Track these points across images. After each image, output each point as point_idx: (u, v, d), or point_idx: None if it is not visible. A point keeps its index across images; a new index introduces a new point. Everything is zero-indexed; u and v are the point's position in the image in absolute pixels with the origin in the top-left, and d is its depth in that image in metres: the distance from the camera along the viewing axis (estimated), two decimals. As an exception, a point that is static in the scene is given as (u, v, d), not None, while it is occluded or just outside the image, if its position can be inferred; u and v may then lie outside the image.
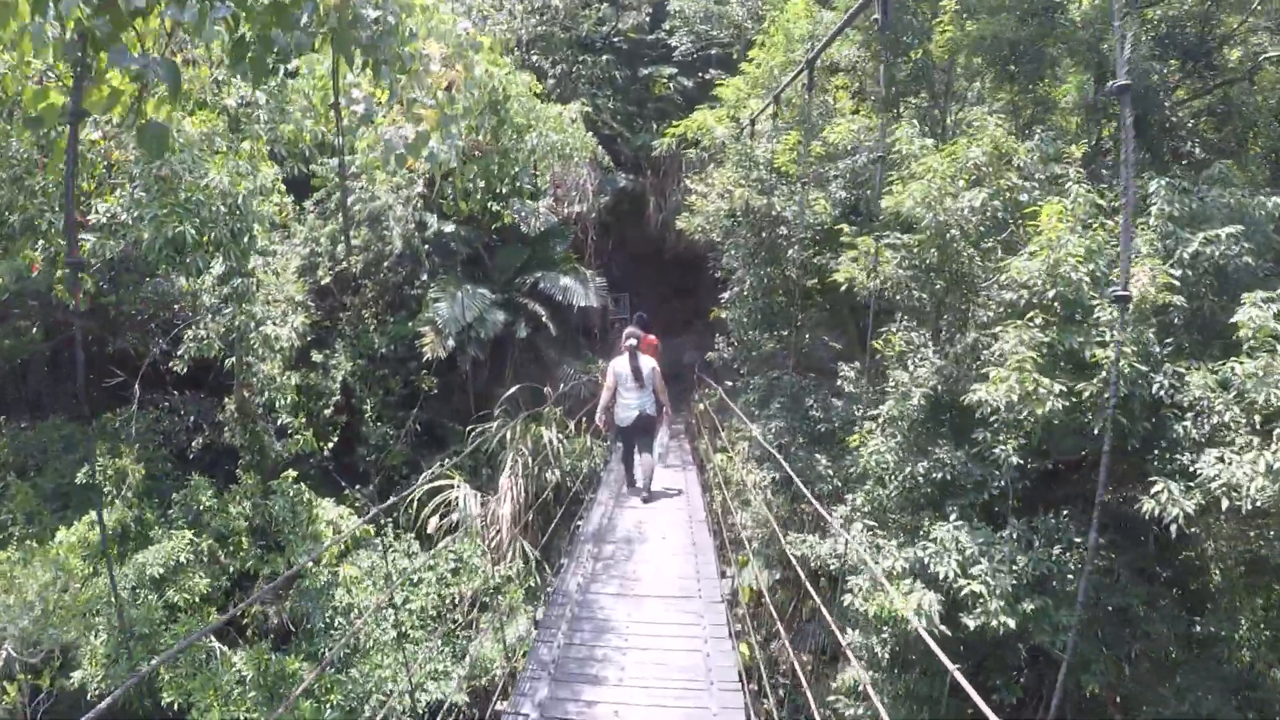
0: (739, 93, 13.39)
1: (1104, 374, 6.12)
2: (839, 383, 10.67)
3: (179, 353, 12.53)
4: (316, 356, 15.83)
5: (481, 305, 15.34)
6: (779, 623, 8.30)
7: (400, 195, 15.98)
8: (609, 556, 9.71)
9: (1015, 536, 6.96)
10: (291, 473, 13.26)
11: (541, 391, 15.45)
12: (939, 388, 7.65)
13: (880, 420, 8.06)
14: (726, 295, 12.15)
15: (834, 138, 10.57)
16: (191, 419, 15.72)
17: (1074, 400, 6.37)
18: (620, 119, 20.44)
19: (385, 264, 15.82)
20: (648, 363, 11.98)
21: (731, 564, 11.12)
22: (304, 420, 12.94)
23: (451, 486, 13.73)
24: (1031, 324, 6.59)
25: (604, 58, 20.27)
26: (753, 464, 11.23)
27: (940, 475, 7.30)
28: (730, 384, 15.15)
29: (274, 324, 12.26)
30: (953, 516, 7.07)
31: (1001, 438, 6.75)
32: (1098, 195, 7.12)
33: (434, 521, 13.20)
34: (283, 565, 12.43)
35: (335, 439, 15.54)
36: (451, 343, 14.97)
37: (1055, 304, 6.76)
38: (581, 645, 7.66)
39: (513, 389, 14.76)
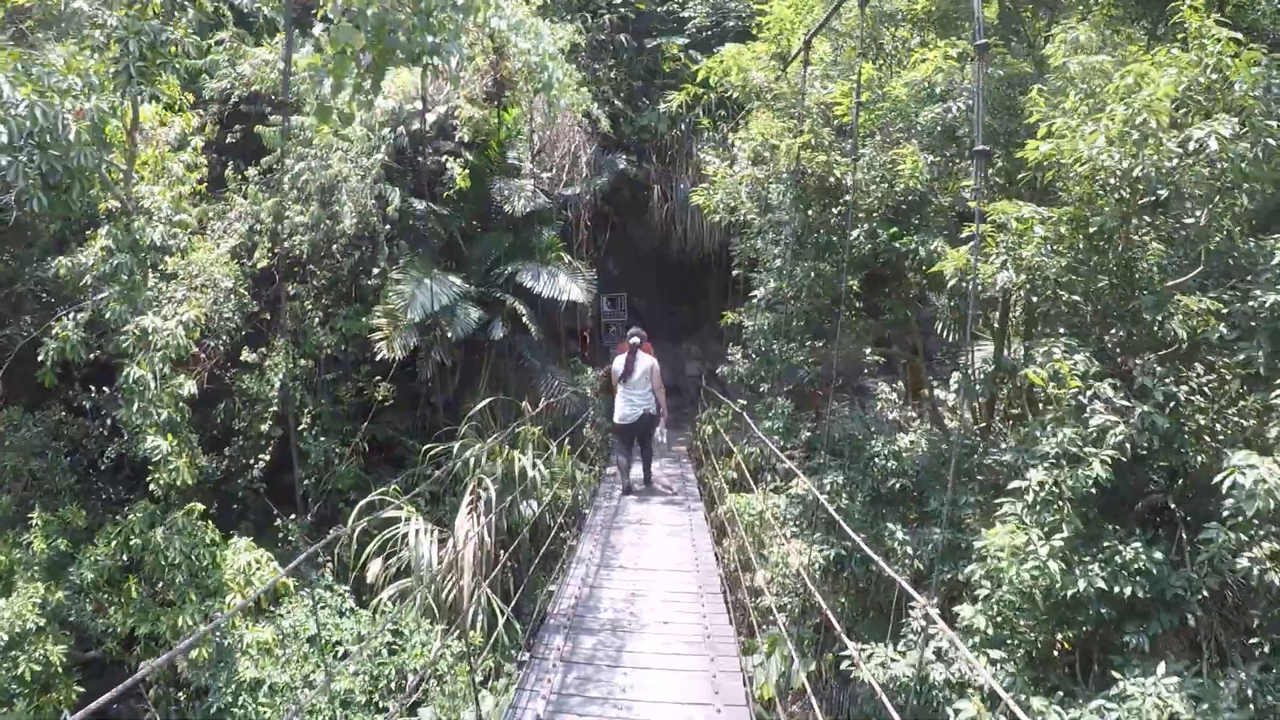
0: (782, 23, 10.22)
1: None
2: (877, 406, 8.10)
3: (39, 355, 9.72)
4: (249, 356, 12.97)
5: (452, 296, 12.53)
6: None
7: (359, 166, 13.13)
8: (587, 658, 6.79)
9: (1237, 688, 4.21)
10: (197, 506, 10.42)
11: (521, 405, 12.60)
12: (1133, 448, 4.84)
13: (1031, 498, 5.21)
14: (758, 294, 9.29)
15: (920, 72, 7.62)
16: (110, 422, 12.96)
17: None
18: (624, 95, 17.64)
19: (335, 246, 12.93)
20: (645, 361, 11.74)
21: (755, 636, 8.33)
22: (181, 442, 9.97)
23: (401, 520, 10.95)
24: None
25: (606, 17, 17.42)
26: (790, 527, 8.35)
27: (1124, 588, 4.49)
28: (741, 402, 12.38)
29: (157, 316, 9.40)
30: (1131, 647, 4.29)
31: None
32: None
33: (376, 567, 10.38)
34: (185, 620, 9.67)
35: (267, 456, 12.71)
36: (413, 341, 12.14)
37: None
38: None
39: (484, 402, 11.90)
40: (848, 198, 7.59)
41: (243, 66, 14.66)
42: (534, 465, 11.48)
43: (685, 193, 17.47)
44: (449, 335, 12.55)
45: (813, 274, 8.23)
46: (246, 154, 14.42)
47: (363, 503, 11.11)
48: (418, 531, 10.81)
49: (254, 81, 14.60)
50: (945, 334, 12.96)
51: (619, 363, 11.75)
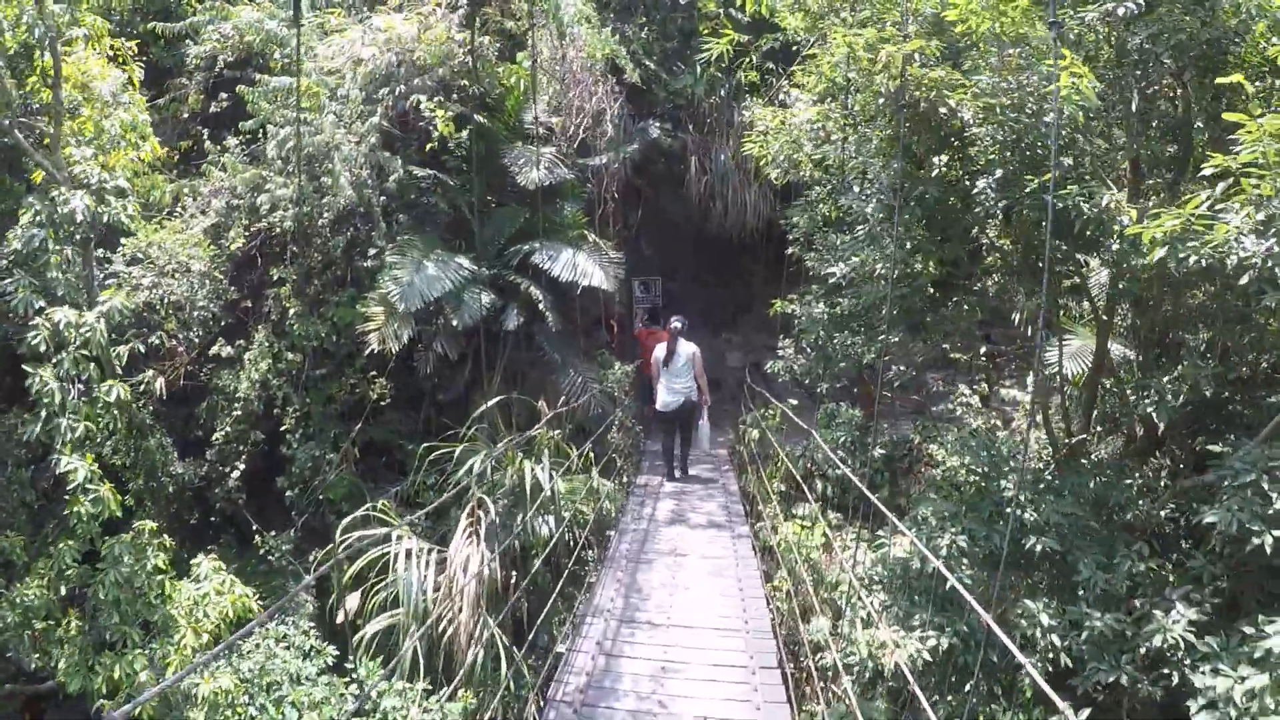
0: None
1: None
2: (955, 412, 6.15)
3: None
4: (222, 349, 11.32)
5: (457, 279, 10.78)
6: None
7: (352, 131, 11.39)
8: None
9: None
10: (148, 525, 8.75)
11: (536, 405, 10.83)
12: None
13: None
14: (837, 271, 7.28)
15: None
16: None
17: None
18: (656, 58, 15.69)
19: (322, 222, 11.19)
20: (687, 348, 11.49)
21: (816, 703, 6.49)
22: (133, 457, 8.28)
23: (394, 540, 9.26)
24: None
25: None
26: (878, 593, 6.38)
27: None
28: (792, 402, 10.53)
29: (74, 308, 7.73)
30: None
31: None
32: None
33: (353, 601, 8.66)
34: (121, 670, 8.06)
35: (242, 464, 11.08)
36: (407, 333, 10.41)
37: None
38: None
39: (490, 401, 10.13)
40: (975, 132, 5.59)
41: (227, 27, 13.00)
42: (550, 477, 9.67)
43: (726, 164, 15.60)
44: (454, 324, 10.75)
45: (914, 242, 6.23)
46: (234, 125, 12.80)
47: (347, 520, 9.38)
48: (410, 553, 9.09)
49: (241, 42, 12.95)
50: (1024, 325, 10.97)
51: (660, 349, 11.49)
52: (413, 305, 10.26)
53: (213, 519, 11.89)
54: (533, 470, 9.62)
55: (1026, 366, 11.18)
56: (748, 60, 14.46)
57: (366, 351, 10.71)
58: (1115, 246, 4.76)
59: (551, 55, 13.02)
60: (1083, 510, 5.13)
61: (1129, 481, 5.60)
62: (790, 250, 10.64)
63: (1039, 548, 4.88)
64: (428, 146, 11.96)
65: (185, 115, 14.22)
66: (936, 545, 5.00)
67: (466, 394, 12.30)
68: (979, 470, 6.00)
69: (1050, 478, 5.83)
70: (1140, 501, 5.44)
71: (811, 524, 8.03)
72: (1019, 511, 5.12)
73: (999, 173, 5.57)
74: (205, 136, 12.63)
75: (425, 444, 11.38)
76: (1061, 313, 8.68)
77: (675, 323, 11.63)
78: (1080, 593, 4.83)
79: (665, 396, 11.40)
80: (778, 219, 15.56)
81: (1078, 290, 7.37)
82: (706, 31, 15.75)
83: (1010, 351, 11.72)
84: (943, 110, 5.62)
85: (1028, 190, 5.26)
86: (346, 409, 11.83)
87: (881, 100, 6.32)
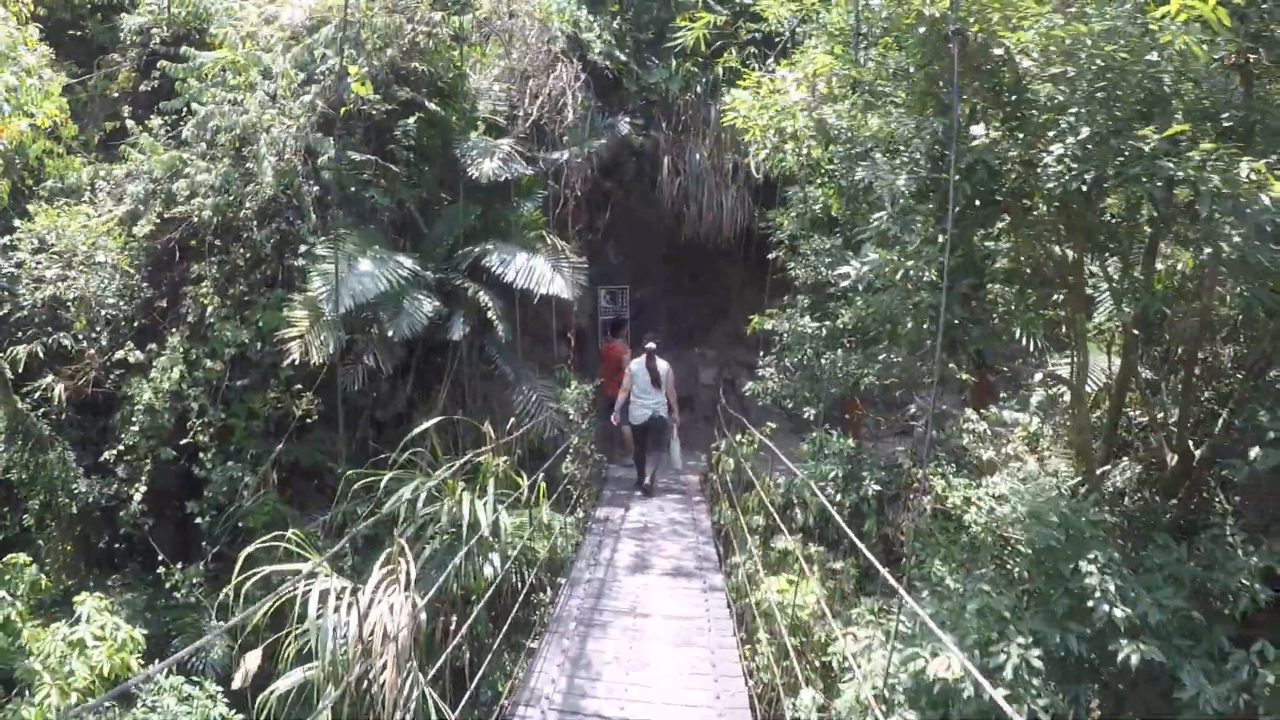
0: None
1: None
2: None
3: None
4: (129, 354, 10.06)
5: (396, 280, 9.55)
6: None
7: (285, 112, 10.16)
8: None
9: None
10: (19, 558, 7.47)
11: (482, 428, 9.62)
12: None
13: None
14: (850, 272, 5.91)
15: None
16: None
17: None
18: (629, 50, 14.55)
19: (244, 213, 9.96)
20: (663, 366, 11.92)
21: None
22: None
23: (313, 578, 8.00)
24: None
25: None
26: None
27: None
28: (771, 426, 9.39)
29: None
30: None
31: None
32: None
33: (252, 660, 7.38)
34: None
35: (144, 485, 9.83)
36: (333, 343, 9.14)
37: None
38: None
39: (426, 424, 8.89)
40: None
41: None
42: (495, 510, 8.46)
43: (701, 165, 14.46)
44: (388, 332, 9.50)
45: (944, 234, 5.02)
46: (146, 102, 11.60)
47: (246, 551, 8.10)
48: (329, 595, 7.87)
49: (174, 15, 11.71)
50: (1025, 338, 9.88)
51: (638, 367, 11.78)
52: (341, 307, 9.01)
53: (118, 545, 10.63)
54: (472, 504, 8.41)
55: (1023, 385, 10.14)
56: (727, 53, 13.38)
57: (287, 361, 9.43)
58: (1236, 237, 3.60)
59: (504, 25, 11.78)
60: (1185, 599, 3.93)
61: (1239, 558, 4.27)
62: (774, 255, 9.50)
63: (1134, 658, 3.64)
64: (377, 134, 10.81)
65: (115, 94, 12.92)
66: (995, 662, 3.76)
67: (409, 412, 11.06)
68: (1053, 540, 4.60)
69: (1128, 550, 4.56)
70: (1253, 583, 4.18)
71: (797, 580, 6.80)
72: (1107, 607, 3.86)
73: (1084, 132, 4.32)
74: (126, 116, 11.32)
75: (350, 469, 10.19)
76: (1063, 327, 7.66)
77: (650, 344, 11.94)
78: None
79: (639, 410, 11.75)
80: (756, 225, 14.45)
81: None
82: (684, 20, 14.70)
83: (1013, 369, 10.59)
84: (996, 52, 4.45)
85: (1130, 155, 4.01)
86: (272, 426, 10.57)
87: (918, 34, 5.03)
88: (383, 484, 8.43)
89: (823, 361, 7.50)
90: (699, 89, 14.87)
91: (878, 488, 7.32)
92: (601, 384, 13.81)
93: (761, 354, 10.18)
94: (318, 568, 8.14)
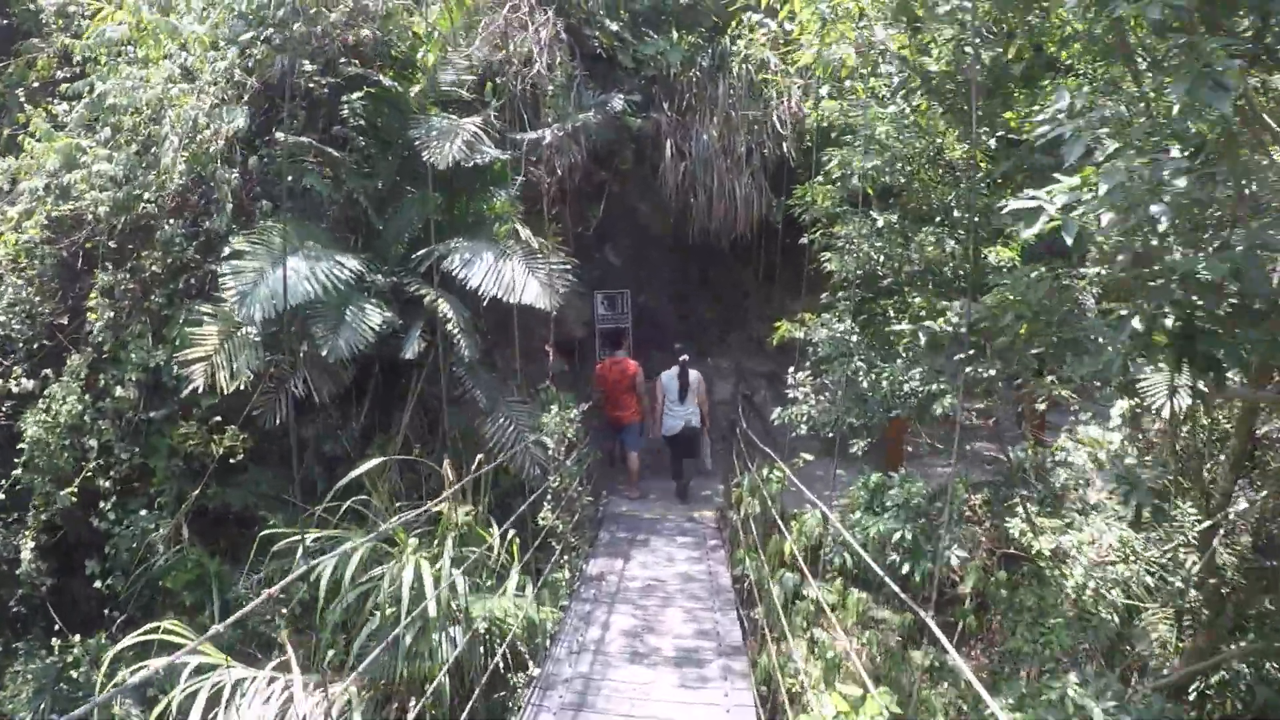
0: None
1: None
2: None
3: None
4: (12, 383, 8.34)
5: (334, 284, 7.73)
6: None
7: (196, 85, 8.41)
8: None
9: None
10: None
11: (442, 469, 7.84)
12: None
13: None
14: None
15: None
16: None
17: None
18: (622, 20, 12.74)
19: (150, 208, 8.21)
20: (695, 376, 11.93)
21: None
22: None
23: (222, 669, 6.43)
24: None
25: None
26: None
27: None
28: (805, 458, 7.62)
29: None
30: None
31: None
32: None
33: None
34: None
35: (32, 540, 8.17)
36: (253, 364, 7.38)
37: None
38: None
39: (367, 465, 7.13)
40: None
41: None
42: (449, 576, 6.67)
43: (709, 147, 12.61)
44: (321, 352, 7.67)
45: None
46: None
47: (124, 642, 6.32)
48: (234, 690, 6.20)
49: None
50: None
51: (669, 379, 11.82)
52: (255, 315, 7.21)
53: (14, 608, 8.91)
54: (417, 569, 6.61)
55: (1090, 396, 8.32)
56: (737, 20, 11.57)
57: (190, 388, 7.66)
58: None
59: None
60: None
61: None
62: (809, 239, 7.63)
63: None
64: (328, 115, 9.09)
65: (35, 84, 11.21)
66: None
67: (362, 444, 9.24)
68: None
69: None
70: None
71: (861, 701, 4.91)
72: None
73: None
74: (23, 102, 9.60)
75: (288, 516, 8.41)
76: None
77: (683, 355, 11.94)
78: None
79: (670, 421, 11.83)
80: (774, 215, 12.61)
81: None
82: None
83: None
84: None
85: None
86: (197, 466, 8.81)
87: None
88: (300, 548, 6.62)
89: (880, 376, 5.69)
90: (704, 63, 13.03)
91: (962, 554, 5.51)
92: (600, 405, 12.02)
93: (791, 369, 8.27)
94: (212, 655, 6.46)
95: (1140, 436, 8.24)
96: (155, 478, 8.85)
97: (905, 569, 6.04)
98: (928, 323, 4.95)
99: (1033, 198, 3.27)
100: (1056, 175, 3.31)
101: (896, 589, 4.42)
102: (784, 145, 12.80)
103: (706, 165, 12.58)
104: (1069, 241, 3.06)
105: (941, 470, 10.73)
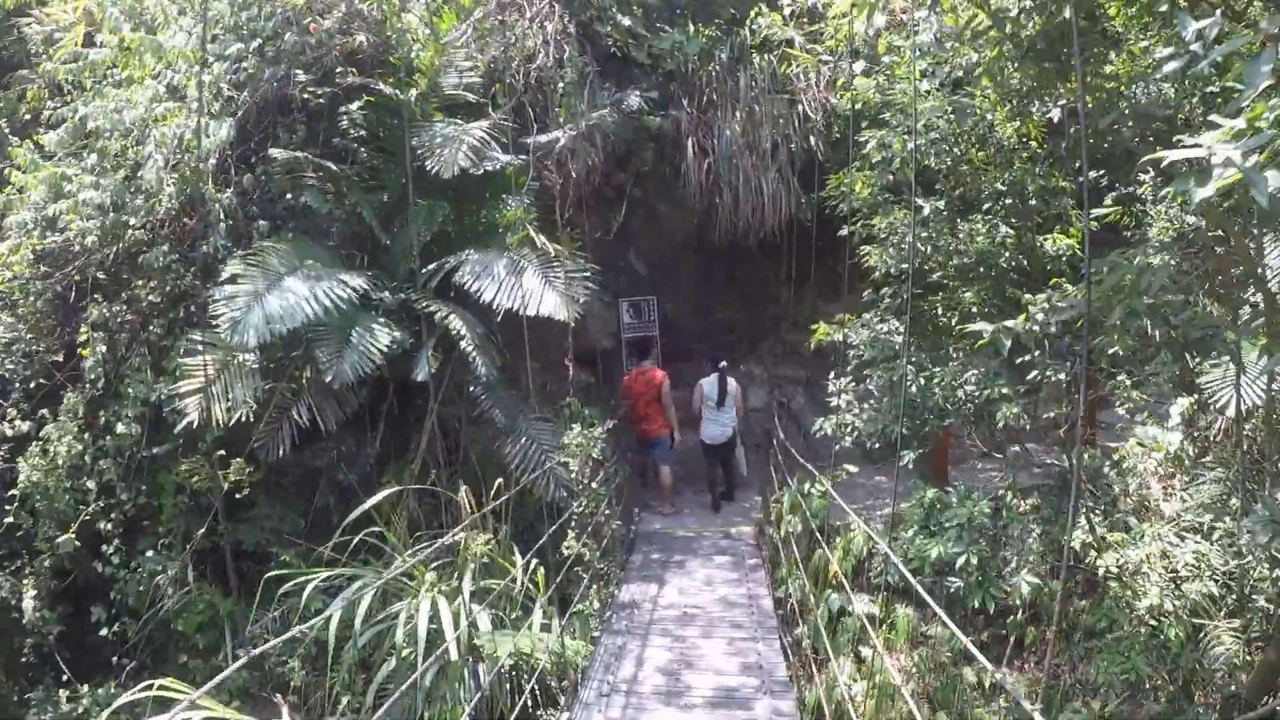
0: None
1: None
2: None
3: None
4: (15, 425, 7.96)
5: (338, 303, 7.26)
6: None
7: (183, 103, 8.02)
8: None
9: None
10: None
11: (458, 495, 7.36)
12: None
13: None
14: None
15: None
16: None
17: None
18: (637, 17, 12.21)
19: (137, 233, 7.83)
20: (733, 385, 11.62)
21: None
22: None
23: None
24: None
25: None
26: None
27: None
28: (848, 470, 7.04)
29: None
30: None
31: None
32: None
33: None
34: None
35: (34, 587, 7.82)
36: (248, 393, 6.94)
37: None
38: None
39: (379, 496, 6.66)
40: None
41: None
42: (469, 612, 6.16)
43: (733, 142, 12.03)
44: (327, 377, 7.20)
45: None
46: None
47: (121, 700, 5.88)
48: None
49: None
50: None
51: (709, 385, 11.47)
52: (250, 342, 6.75)
53: (24, 656, 8.54)
54: (434, 606, 6.12)
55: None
56: (756, 8, 11.02)
57: (184, 422, 7.22)
58: None
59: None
60: None
61: None
62: (849, 230, 7.00)
63: None
64: (327, 127, 8.66)
65: (27, 116, 10.87)
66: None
67: (378, 472, 8.76)
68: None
69: None
70: None
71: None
72: None
73: None
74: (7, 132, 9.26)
75: (300, 551, 7.95)
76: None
77: (723, 363, 11.61)
78: None
79: (711, 429, 11.53)
80: (804, 212, 12.01)
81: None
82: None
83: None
84: None
85: None
86: (207, 503, 8.38)
87: None
88: (309, 587, 6.15)
89: (923, 383, 5.09)
90: (723, 56, 12.46)
91: (1033, 580, 4.92)
92: (629, 418, 11.48)
93: (831, 374, 7.63)
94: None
95: (1204, 436, 7.63)
96: (163, 516, 8.47)
97: (974, 601, 5.43)
98: (1008, 322, 4.29)
99: (1195, 145, 2.58)
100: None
101: (938, 609, 3.89)
102: (811, 139, 12.24)
103: (730, 162, 11.99)
104: (1261, 201, 2.36)
105: (991, 476, 10.12)
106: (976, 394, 5.42)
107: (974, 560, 5.19)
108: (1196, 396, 7.00)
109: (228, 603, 8.34)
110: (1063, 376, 4.44)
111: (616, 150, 11.87)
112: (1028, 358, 4.97)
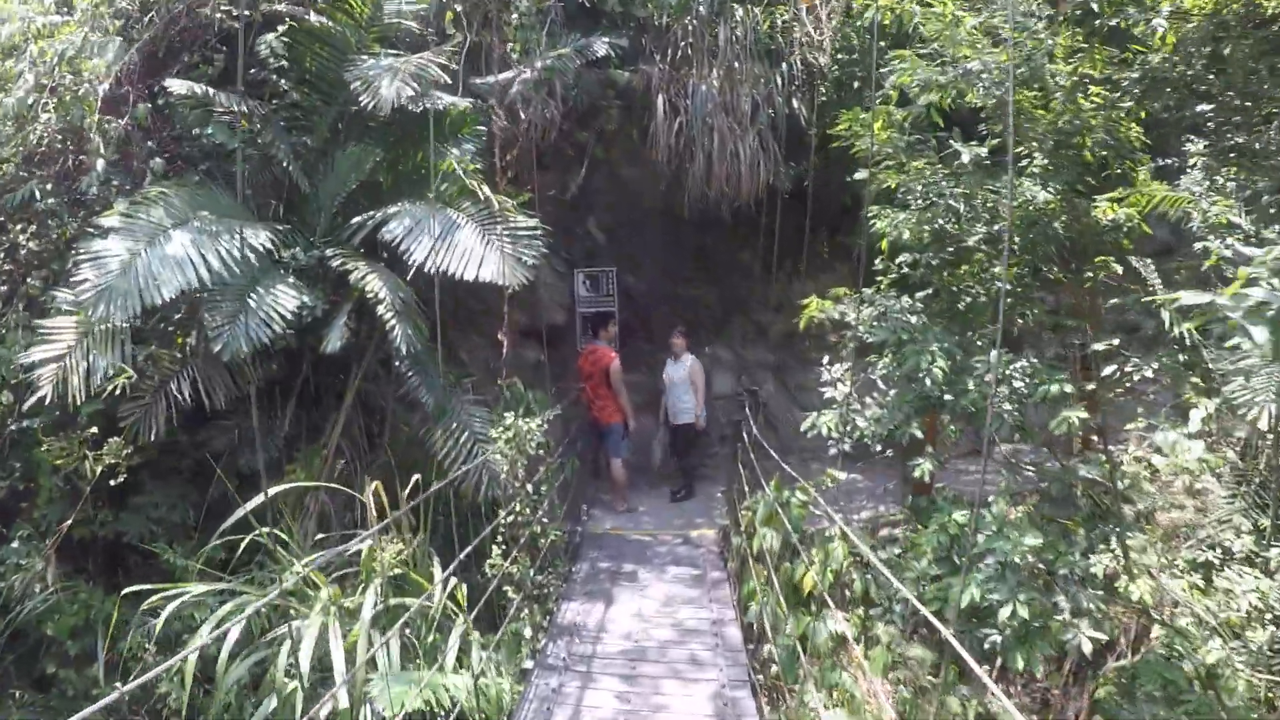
0: None
1: None
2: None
3: None
4: None
5: (235, 262, 6.12)
6: None
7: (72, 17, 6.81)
8: None
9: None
10: None
11: (367, 494, 6.23)
12: None
13: None
14: None
15: None
16: None
17: None
18: (609, -41, 11.05)
19: (9, 167, 6.60)
20: (678, 370, 10.91)
21: None
22: None
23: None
24: None
25: None
26: None
27: None
28: (837, 476, 6.01)
29: None
30: None
31: None
32: None
33: None
34: None
35: None
36: (104, 362, 5.78)
37: None
38: None
39: (254, 501, 5.52)
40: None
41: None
42: (369, 639, 5.07)
43: (708, 100, 10.90)
44: (213, 348, 6.05)
45: None
46: None
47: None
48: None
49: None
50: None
51: (673, 366, 10.96)
52: (118, 310, 5.58)
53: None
54: (323, 634, 5.03)
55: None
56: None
57: (35, 397, 6.07)
58: None
59: None
60: None
61: None
62: (860, 175, 5.79)
63: None
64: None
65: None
66: None
67: (285, 457, 7.61)
68: None
69: None
70: None
71: None
72: None
73: None
74: None
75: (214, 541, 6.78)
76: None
77: (679, 336, 11.02)
78: None
79: (671, 410, 11.03)
80: (783, 180, 10.98)
81: None
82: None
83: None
84: None
85: None
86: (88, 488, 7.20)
87: None
88: (167, 610, 5.04)
89: (949, 372, 4.05)
90: (701, 8, 11.32)
91: (1099, 636, 3.93)
92: (582, 400, 10.43)
93: (826, 360, 6.45)
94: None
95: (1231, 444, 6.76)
96: (39, 500, 7.31)
97: (1017, 662, 4.39)
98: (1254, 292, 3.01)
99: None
100: None
101: (993, 687, 2.87)
102: (795, 102, 11.20)
103: (704, 123, 10.85)
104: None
105: (971, 477, 9.15)
106: (1026, 392, 4.40)
107: (1022, 611, 4.13)
108: (1219, 401, 6.08)
109: (108, 601, 7.19)
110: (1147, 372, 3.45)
111: (579, 105, 10.76)
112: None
